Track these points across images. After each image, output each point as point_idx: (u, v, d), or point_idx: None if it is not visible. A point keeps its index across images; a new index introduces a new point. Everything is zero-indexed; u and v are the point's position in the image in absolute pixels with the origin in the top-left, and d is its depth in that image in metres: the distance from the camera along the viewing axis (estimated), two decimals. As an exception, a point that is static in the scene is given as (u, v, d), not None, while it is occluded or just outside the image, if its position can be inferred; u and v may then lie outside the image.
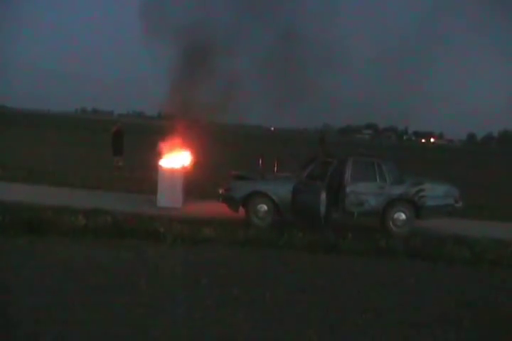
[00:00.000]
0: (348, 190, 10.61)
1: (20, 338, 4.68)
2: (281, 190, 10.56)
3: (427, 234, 10.58)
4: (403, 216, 10.69)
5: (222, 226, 9.79)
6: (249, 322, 5.39)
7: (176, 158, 12.78)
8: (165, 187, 12.11)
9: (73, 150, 25.61)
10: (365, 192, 10.65)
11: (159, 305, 5.70)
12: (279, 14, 14.44)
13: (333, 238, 9.38)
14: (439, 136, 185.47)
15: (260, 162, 11.69)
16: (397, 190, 10.73)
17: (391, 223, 10.67)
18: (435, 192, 10.88)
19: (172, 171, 12.31)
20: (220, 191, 11.17)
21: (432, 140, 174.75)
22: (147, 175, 14.60)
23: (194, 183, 13.51)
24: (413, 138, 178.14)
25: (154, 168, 12.62)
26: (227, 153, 23.47)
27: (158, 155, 12.71)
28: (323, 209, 10.14)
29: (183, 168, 12.55)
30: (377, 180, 10.74)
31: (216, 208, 11.51)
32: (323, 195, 10.15)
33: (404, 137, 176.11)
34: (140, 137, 22.94)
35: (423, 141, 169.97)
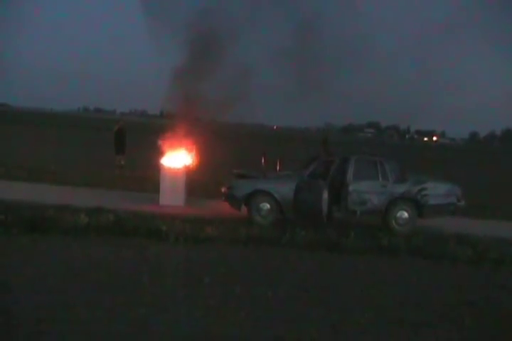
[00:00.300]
0: (350, 188, 10.60)
1: (21, 337, 4.68)
2: (284, 189, 10.55)
3: (429, 232, 10.57)
4: (405, 214, 10.68)
5: (224, 224, 9.79)
6: (251, 321, 5.39)
7: (178, 157, 12.78)
8: (167, 185, 12.12)
9: (75, 149, 25.66)
10: (367, 190, 10.65)
11: (161, 304, 5.70)
12: (281, 13, 14.32)
13: (335, 236, 9.39)
14: (442, 135, 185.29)
15: (263, 160, 11.68)
16: (400, 189, 10.72)
17: (393, 222, 10.67)
18: (437, 190, 10.87)
19: (174, 170, 12.31)
20: (223, 190, 11.17)
21: (434, 138, 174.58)
22: (149, 174, 14.61)
23: (196, 182, 13.51)
24: (415, 136, 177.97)
25: (156, 166, 12.62)
26: (230, 151, 23.46)
27: (160, 151, 12.69)
28: (325, 207, 10.14)
29: (186, 166, 12.55)
30: (380, 178, 10.73)
31: (218, 207, 11.52)
32: (326, 194, 10.15)
33: (407, 136, 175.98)
34: (142, 136, 22.89)
35: (425, 139, 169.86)
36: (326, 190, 10.19)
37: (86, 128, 53.84)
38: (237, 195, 10.80)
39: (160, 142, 12.78)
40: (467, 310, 6.23)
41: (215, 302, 5.84)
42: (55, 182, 14.11)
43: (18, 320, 5.00)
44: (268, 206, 10.65)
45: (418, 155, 40.68)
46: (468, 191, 11.73)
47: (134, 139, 21.05)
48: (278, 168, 12.11)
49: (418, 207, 10.70)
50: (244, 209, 10.86)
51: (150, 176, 14.25)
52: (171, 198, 12.00)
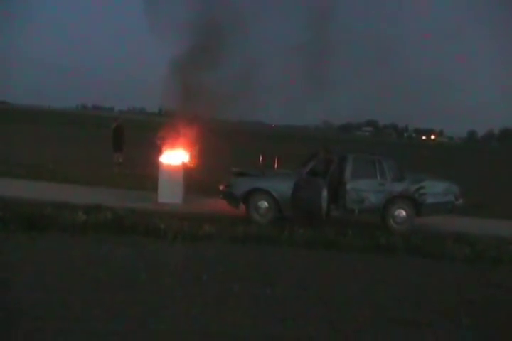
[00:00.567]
0: (348, 187, 10.61)
1: (20, 335, 4.67)
2: (282, 187, 10.56)
3: (427, 231, 10.59)
4: (403, 213, 10.70)
5: (222, 222, 9.79)
6: (249, 319, 5.39)
7: (176, 155, 12.77)
8: (165, 183, 12.11)
9: (73, 147, 25.60)
10: (365, 189, 10.66)
11: (159, 302, 5.70)
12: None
13: (333, 235, 9.40)
14: (440, 134, 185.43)
15: (261, 159, 11.68)
16: (398, 187, 10.73)
17: (391, 220, 10.69)
18: (435, 189, 10.88)
19: (173, 167, 12.30)
20: (221, 188, 11.17)
21: (432, 137, 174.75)
22: (148, 172, 14.60)
23: (195, 180, 13.50)
24: (413, 135, 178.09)
25: (155, 164, 12.60)
26: (228, 149, 23.45)
27: (158, 149, 12.66)
28: (324, 205, 10.15)
29: (184, 164, 12.54)
30: (378, 177, 10.74)
31: (217, 205, 11.52)
32: (325, 192, 10.17)
33: (405, 134, 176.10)
34: (141, 133, 22.86)
35: (423, 138, 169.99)
36: (325, 188, 10.20)
37: (84, 126, 53.75)
38: (236, 193, 10.80)
39: (159, 139, 12.75)
40: (465, 309, 6.24)
41: (213, 301, 5.85)
42: (53, 180, 14.08)
43: (16, 318, 4.99)
44: (266, 204, 10.65)
45: (416, 154, 40.74)
46: (466, 190, 11.75)
47: (132, 137, 21.02)
48: (276, 166, 12.12)
49: (416, 205, 10.71)
50: (242, 207, 10.87)
51: (148, 174, 14.23)
52: (170, 196, 12.00)
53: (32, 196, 10.95)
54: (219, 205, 11.40)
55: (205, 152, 13.56)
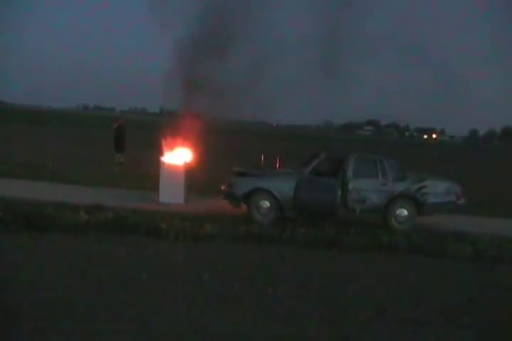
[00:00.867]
0: (350, 186, 10.61)
1: (21, 335, 4.68)
2: (283, 187, 10.57)
3: (428, 230, 10.59)
4: (405, 212, 10.69)
5: (224, 222, 9.79)
6: (250, 318, 5.39)
7: (178, 154, 12.77)
8: (167, 183, 12.11)
9: (74, 147, 25.62)
10: (367, 188, 10.66)
11: (160, 301, 5.70)
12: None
13: (334, 234, 9.40)
14: (441, 132, 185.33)
15: (262, 158, 11.67)
16: (399, 187, 10.72)
17: (393, 219, 10.68)
18: (437, 189, 10.87)
19: (174, 167, 12.30)
20: (222, 187, 11.17)
21: (433, 136, 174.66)
22: (149, 171, 14.60)
23: (196, 179, 13.50)
24: (415, 134, 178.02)
25: (156, 164, 12.60)
26: (230, 149, 23.45)
27: (160, 149, 12.64)
28: (337, 207, 10.44)
29: (185, 164, 12.54)
30: (379, 176, 10.74)
31: (218, 204, 11.51)
32: (339, 193, 10.38)
33: (406, 133, 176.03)
34: (142, 133, 22.93)
35: (425, 137, 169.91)
36: (340, 190, 10.41)
37: (85, 126, 53.78)
38: (237, 193, 10.80)
39: (161, 139, 12.72)
40: (466, 308, 6.23)
41: (214, 300, 5.85)
42: (54, 180, 14.10)
43: (17, 318, 5.00)
44: (267, 204, 10.66)
45: (417, 153, 40.72)
46: (467, 188, 11.73)
47: (133, 137, 21.05)
48: (278, 165, 12.11)
49: (418, 205, 10.70)
50: (243, 207, 10.87)
51: (150, 174, 14.23)
52: (171, 196, 12.00)
53: (33, 196, 10.96)
54: (220, 205, 11.40)
55: (206, 151, 13.56)
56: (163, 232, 8.78)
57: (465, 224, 11.44)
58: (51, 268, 6.61)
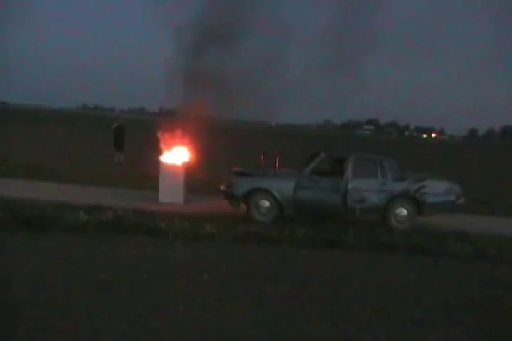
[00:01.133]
0: (349, 186, 10.61)
1: (20, 335, 4.67)
2: (283, 186, 10.57)
3: (428, 229, 10.58)
4: (405, 212, 10.69)
5: (223, 222, 9.79)
6: (250, 318, 5.38)
7: (177, 154, 12.76)
8: (166, 183, 12.11)
9: (74, 147, 25.62)
10: (366, 188, 10.66)
11: (160, 301, 5.70)
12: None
13: (334, 233, 9.40)
14: (441, 132, 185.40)
15: (262, 158, 11.67)
16: (399, 187, 10.72)
17: (393, 219, 10.68)
18: (437, 188, 10.87)
19: (174, 167, 12.30)
20: (222, 187, 11.16)
21: (433, 135, 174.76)
22: (149, 171, 14.60)
23: (196, 179, 13.50)
24: (414, 133, 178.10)
25: (156, 163, 12.59)
26: (229, 148, 23.45)
27: (159, 148, 12.60)
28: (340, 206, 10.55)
29: (185, 163, 12.53)
30: (379, 176, 10.74)
31: (218, 204, 11.51)
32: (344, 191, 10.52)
33: (406, 133, 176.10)
34: (141, 133, 22.86)
35: (424, 136, 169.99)
36: (344, 188, 10.53)
37: (85, 126, 53.76)
38: (237, 193, 10.79)
39: (159, 136, 12.66)
40: (467, 307, 6.23)
41: (214, 300, 5.84)
42: (53, 180, 14.09)
43: (17, 318, 4.99)
44: (267, 204, 10.66)
45: (417, 152, 40.72)
46: (467, 187, 11.74)
47: (133, 136, 21.05)
48: (277, 165, 12.11)
49: (417, 205, 10.70)
50: (243, 206, 10.87)
51: (149, 173, 14.23)
52: (171, 195, 12.00)
53: (33, 196, 10.96)
54: (220, 205, 11.39)
55: (206, 151, 13.54)
56: (163, 232, 8.78)
57: (465, 223, 11.43)
58: (51, 268, 6.60)
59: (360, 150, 12.08)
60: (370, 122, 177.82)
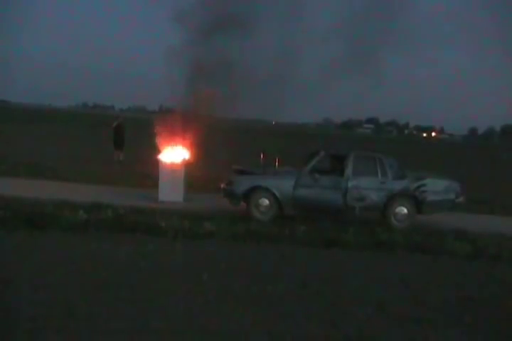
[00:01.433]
0: (349, 185, 10.62)
1: (19, 334, 4.67)
2: (283, 185, 10.57)
3: (427, 228, 10.59)
4: (404, 210, 10.69)
5: (223, 220, 9.79)
6: (249, 317, 5.39)
7: (177, 152, 12.75)
8: (166, 181, 12.10)
9: (74, 145, 25.61)
10: (366, 187, 10.66)
11: (160, 300, 5.70)
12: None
13: (333, 232, 9.41)
14: (440, 130, 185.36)
15: (262, 156, 11.67)
16: (399, 185, 10.73)
17: (392, 218, 10.68)
18: (436, 187, 10.88)
19: (173, 165, 12.29)
20: (222, 186, 11.16)
21: (433, 134, 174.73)
22: (148, 170, 14.59)
23: (195, 177, 13.49)
24: (414, 132, 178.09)
25: (155, 162, 12.58)
26: (229, 147, 23.43)
27: (158, 146, 12.58)
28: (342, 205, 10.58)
29: (184, 162, 12.52)
30: (379, 175, 10.74)
31: (217, 203, 11.51)
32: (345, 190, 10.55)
33: (406, 131, 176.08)
34: (141, 131, 22.81)
35: (424, 135, 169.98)
36: (345, 186, 10.56)
37: (85, 124, 53.72)
38: (236, 191, 10.79)
39: (158, 133, 12.62)
40: (466, 306, 6.24)
41: (214, 299, 5.84)
42: (53, 178, 14.09)
43: (16, 317, 4.99)
44: (267, 202, 10.66)
45: (417, 151, 40.71)
46: (466, 186, 11.74)
47: (132, 135, 21.03)
48: (277, 163, 12.11)
49: (417, 203, 10.71)
50: (243, 205, 10.87)
51: (149, 172, 14.22)
52: (170, 194, 12.00)
53: (32, 195, 10.95)
54: (220, 203, 11.40)
55: (206, 149, 13.53)
56: (163, 230, 8.78)
57: (464, 221, 11.44)
58: (51, 267, 6.60)
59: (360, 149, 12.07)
60: (370, 121, 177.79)
